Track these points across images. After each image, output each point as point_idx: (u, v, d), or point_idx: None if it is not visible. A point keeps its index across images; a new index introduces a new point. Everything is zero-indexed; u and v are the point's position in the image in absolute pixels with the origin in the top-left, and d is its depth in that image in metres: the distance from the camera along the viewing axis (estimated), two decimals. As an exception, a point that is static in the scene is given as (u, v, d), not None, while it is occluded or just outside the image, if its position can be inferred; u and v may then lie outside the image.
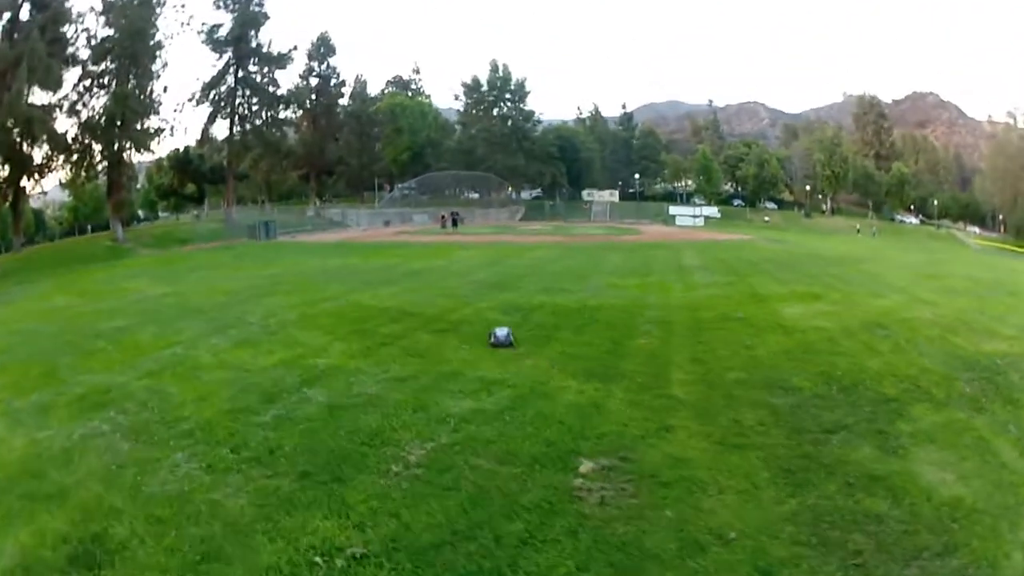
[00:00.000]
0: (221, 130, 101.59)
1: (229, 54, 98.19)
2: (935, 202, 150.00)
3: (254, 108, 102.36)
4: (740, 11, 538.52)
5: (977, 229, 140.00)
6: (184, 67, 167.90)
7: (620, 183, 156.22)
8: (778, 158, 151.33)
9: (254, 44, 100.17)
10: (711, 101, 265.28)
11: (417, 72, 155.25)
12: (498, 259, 39.66)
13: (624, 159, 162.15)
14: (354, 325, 18.88)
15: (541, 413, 10.88)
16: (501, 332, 16.12)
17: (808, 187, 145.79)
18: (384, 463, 8.96)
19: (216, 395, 12.27)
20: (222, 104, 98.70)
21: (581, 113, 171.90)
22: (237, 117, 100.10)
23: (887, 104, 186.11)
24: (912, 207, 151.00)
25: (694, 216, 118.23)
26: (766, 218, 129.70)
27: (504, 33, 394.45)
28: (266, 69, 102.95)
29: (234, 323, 19.67)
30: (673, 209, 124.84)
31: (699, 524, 7.23)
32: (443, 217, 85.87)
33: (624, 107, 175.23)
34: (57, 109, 67.81)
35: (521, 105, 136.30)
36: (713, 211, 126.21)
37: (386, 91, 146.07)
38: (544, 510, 7.60)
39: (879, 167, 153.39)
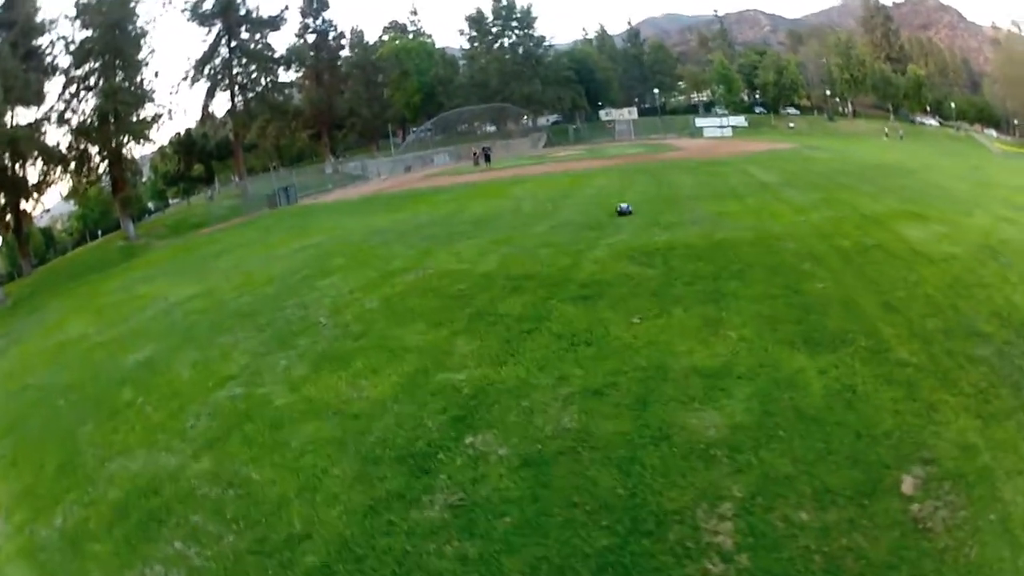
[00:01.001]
0: (222, 105, 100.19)
1: (219, 25, 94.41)
2: (952, 104, 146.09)
3: (253, 75, 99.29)
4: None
5: (994, 132, 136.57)
6: (176, 48, 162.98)
7: (637, 100, 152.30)
8: (795, 63, 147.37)
9: (243, 11, 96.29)
10: (716, 11, 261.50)
11: (415, 14, 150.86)
12: (563, 193, 35.13)
13: (638, 76, 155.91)
14: (463, 305, 14.67)
15: (799, 411, 8.93)
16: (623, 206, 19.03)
17: (828, 92, 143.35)
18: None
19: (329, 479, 8.49)
20: (219, 77, 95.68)
21: (587, 34, 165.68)
22: (237, 87, 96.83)
23: (886, 7, 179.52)
24: (928, 109, 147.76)
25: (721, 127, 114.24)
26: (791, 124, 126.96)
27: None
28: (259, 35, 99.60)
29: (299, 327, 15.20)
30: (699, 121, 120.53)
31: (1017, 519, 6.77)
32: (475, 154, 79.57)
33: (630, 23, 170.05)
34: (45, 122, 64.35)
35: (530, 32, 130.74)
36: (740, 120, 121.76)
37: (385, 38, 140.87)
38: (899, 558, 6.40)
39: (894, 70, 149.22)
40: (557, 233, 22.03)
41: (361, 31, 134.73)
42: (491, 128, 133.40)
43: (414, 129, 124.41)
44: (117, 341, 18.79)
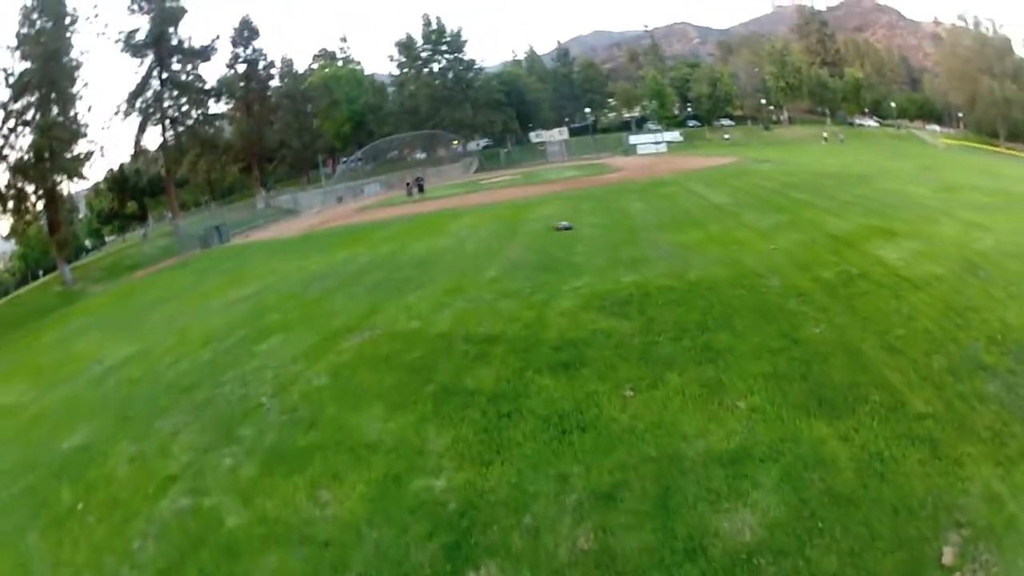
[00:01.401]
0: (155, 140, 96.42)
1: (151, 57, 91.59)
2: (892, 104, 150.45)
3: (183, 108, 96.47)
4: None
5: (937, 127, 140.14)
6: (109, 81, 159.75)
7: (568, 119, 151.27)
8: (728, 74, 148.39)
9: (175, 41, 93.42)
10: (646, 25, 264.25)
11: (344, 41, 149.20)
12: (507, 226, 33.26)
13: (568, 95, 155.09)
14: (423, 379, 12.83)
15: (833, 493, 8.18)
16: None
17: (763, 100, 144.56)
18: None
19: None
20: (151, 111, 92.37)
21: (516, 55, 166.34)
22: (168, 121, 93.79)
23: (821, 12, 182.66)
24: (866, 111, 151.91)
25: (656, 143, 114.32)
26: (726, 136, 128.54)
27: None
28: (190, 65, 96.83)
29: (240, 409, 13.31)
30: (633, 138, 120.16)
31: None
32: (408, 184, 75.95)
33: (559, 42, 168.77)
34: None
35: (460, 55, 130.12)
36: (675, 135, 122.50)
37: (314, 66, 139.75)
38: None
39: (831, 74, 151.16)
40: (511, 278, 20.26)
41: (291, 60, 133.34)
42: (422, 155, 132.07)
43: (344, 159, 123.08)
44: (53, 415, 17.27)
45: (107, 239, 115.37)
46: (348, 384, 13.36)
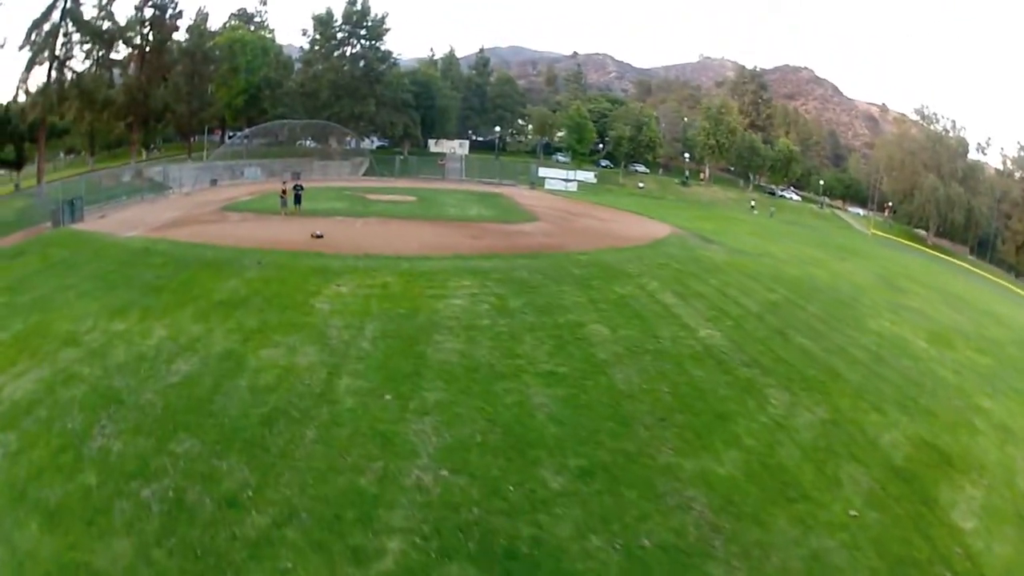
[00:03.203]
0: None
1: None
2: (820, 180, 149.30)
3: (76, 49, 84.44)
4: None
5: (861, 211, 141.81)
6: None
7: (471, 132, 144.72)
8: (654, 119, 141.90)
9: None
10: (575, 52, 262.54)
11: (264, 3, 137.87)
12: (402, 335, 23.87)
13: (478, 107, 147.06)
14: None
15: None
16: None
17: (686, 154, 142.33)
18: None
19: None
20: (41, 47, 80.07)
21: (434, 54, 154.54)
22: (56, 62, 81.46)
23: (760, 74, 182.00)
24: (791, 183, 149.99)
25: (566, 180, 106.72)
26: (640, 184, 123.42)
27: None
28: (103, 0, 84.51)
29: None
30: (543, 171, 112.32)
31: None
32: (283, 191, 57.52)
33: (482, 49, 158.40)
34: None
35: (377, 44, 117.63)
36: (588, 175, 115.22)
37: (228, 25, 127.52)
38: None
39: (764, 140, 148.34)
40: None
41: (207, 13, 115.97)
42: (311, 144, 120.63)
43: (231, 135, 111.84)
44: None
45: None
46: None
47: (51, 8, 79.59)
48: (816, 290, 39.33)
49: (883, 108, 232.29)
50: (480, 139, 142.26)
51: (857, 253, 68.44)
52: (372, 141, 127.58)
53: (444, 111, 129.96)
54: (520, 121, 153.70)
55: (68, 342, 22.35)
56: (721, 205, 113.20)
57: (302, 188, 56.67)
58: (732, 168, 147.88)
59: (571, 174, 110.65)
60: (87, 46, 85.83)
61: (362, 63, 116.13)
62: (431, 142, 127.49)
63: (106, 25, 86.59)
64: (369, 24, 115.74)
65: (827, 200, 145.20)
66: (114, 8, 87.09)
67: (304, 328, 23.70)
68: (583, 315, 27.84)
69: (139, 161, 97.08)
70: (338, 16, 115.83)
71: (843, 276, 47.50)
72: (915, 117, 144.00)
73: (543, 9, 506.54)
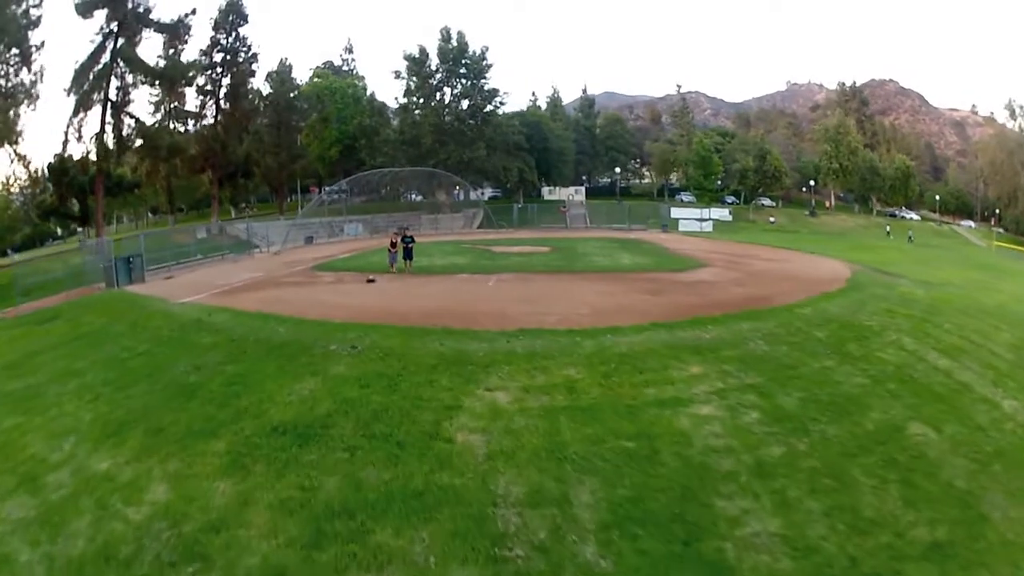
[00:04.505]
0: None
1: (103, 17, 72.29)
2: (936, 196, 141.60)
3: (134, 93, 77.32)
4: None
5: (972, 223, 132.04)
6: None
7: (584, 178, 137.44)
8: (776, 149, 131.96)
9: (136, 5, 74.32)
10: (679, 86, 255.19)
11: (350, 51, 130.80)
12: (659, 527, 12.21)
13: (589, 151, 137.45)
14: None
15: None
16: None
17: (812, 181, 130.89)
18: None
19: None
20: (91, 91, 72.67)
21: (536, 99, 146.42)
22: (111, 106, 73.74)
23: (835, 91, 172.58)
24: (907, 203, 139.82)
25: (700, 220, 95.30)
26: (771, 219, 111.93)
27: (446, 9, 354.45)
28: (157, 37, 78.56)
29: None
30: (676, 211, 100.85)
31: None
32: (392, 246, 47.48)
33: (585, 90, 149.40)
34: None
35: (481, 82, 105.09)
36: (723, 213, 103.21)
37: (314, 76, 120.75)
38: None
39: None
40: None
41: (290, 64, 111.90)
42: (418, 197, 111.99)
43: (327, 188, 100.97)
44: None
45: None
46: None
47: (100, 48, 72.62)
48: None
49: (973, 111, 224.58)
50: (592, 185, 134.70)
51: (1003, 271, 59.72)
52: (483, 192, 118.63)
53: (560, 153, 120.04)
54: (634, 162, 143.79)
55: (24, 481, 14.46)
56: (854, 233, 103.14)
57: (412, 240, 45.93)
58: (851, 192, 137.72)
59: (704, 212, 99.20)
60: (148, 89, 79.18)
61: (466, 103, 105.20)
62: (544, 190, 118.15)
63: (164, 64, 78.90)
64: (468, 61, 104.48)
65: (937, 216, 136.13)
66: (182, 56, 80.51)
67: (439, 499, 12.76)
68: (887, 409, 17.47)
69: (223, 219, 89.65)
70: (432, 54, 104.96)
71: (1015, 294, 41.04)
72: (1005, 114, 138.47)
73: (631, 53, 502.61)
